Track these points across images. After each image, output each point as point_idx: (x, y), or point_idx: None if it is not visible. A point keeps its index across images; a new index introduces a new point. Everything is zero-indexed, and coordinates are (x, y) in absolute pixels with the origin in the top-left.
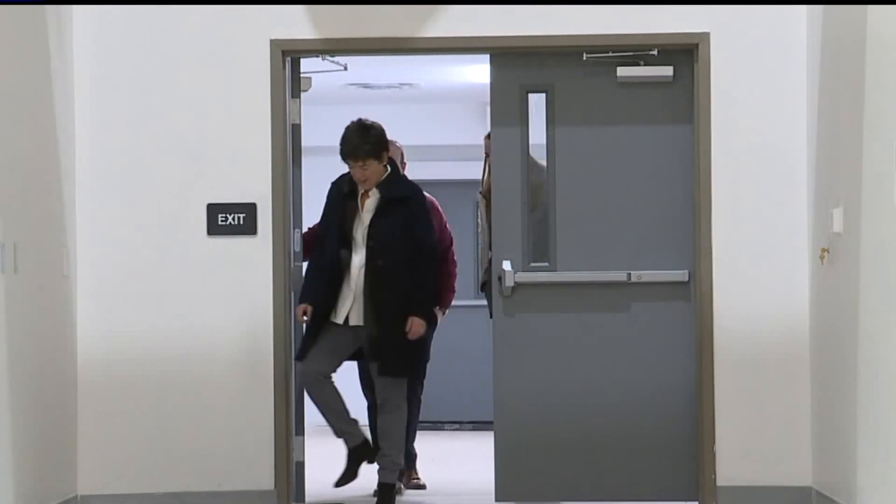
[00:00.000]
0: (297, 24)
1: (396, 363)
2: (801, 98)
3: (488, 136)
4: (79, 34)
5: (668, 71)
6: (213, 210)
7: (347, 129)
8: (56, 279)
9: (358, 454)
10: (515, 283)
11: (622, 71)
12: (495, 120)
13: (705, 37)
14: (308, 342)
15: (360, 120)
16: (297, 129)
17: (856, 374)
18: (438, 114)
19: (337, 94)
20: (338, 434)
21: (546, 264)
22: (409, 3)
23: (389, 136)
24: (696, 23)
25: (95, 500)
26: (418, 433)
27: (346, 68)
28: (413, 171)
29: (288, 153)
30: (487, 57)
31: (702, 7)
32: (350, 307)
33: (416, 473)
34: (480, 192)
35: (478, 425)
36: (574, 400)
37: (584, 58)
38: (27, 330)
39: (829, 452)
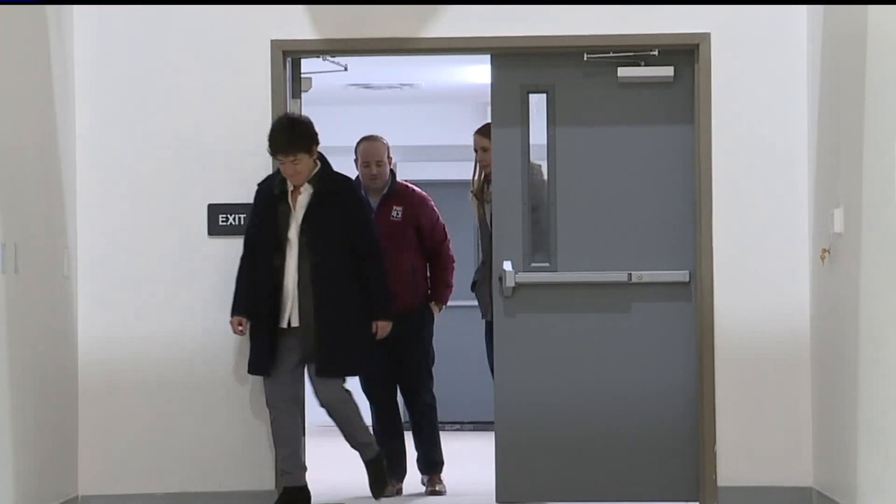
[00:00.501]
0: (298, 24)
1: (335, 364)
2: (802, 98)
3: (478, 132)
4: (79, 35)
5: (668, 71)
6: (214, 210)
7: (276, 124)
8: (57, 280)
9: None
10: (516, 283)
11: (623, 71)
12: (496, 120)
13: (706, 37)
14: (257, 355)
15: (287, 114)
16: None
17: (856, 374)
18: (439, 114)
19: (337, 95)
20: (281, 471)
21: (547, 265)
22: (410, 2)
23: (389, 137)
24: (696, 23)
25: (96, 500)
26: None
27: (346, 69)
28: (413, 172)
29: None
30: (488, 57)
31: (702, 7)
32: (290, 309)
33: (440, 480)
34: (472, 192)
35: (478, 425)
36: (575, 400)
37: (585, 58)
38: (28, 330)
39: (830, 453)
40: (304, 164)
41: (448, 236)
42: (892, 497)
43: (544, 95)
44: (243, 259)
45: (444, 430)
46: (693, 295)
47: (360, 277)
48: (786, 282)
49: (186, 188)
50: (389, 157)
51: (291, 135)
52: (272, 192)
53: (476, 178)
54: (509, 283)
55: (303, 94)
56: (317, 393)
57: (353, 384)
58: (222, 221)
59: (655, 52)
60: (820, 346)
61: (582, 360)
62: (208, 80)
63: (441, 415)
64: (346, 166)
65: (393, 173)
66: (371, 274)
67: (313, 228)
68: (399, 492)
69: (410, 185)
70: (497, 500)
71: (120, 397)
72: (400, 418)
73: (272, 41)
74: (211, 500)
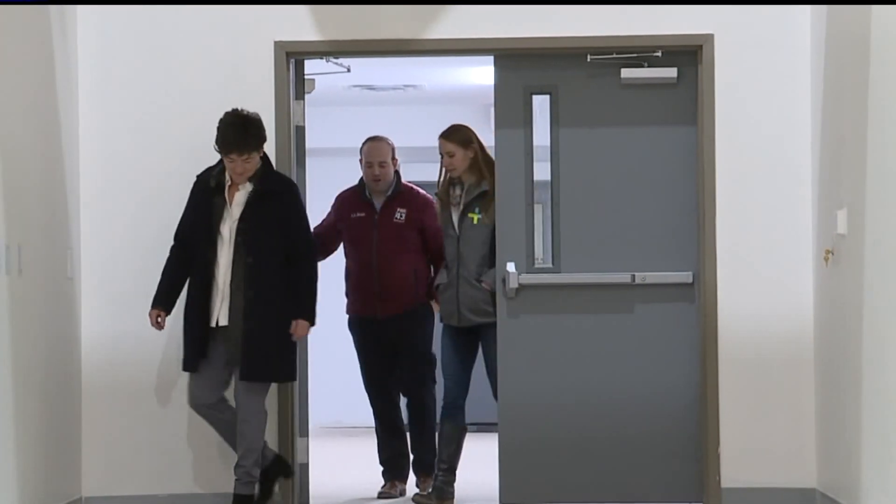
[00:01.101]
0: (301, 25)
1: (262, 369)
2: (806, 99)
3: (443, 137)
4: (83, 36)
5: (672, 72)
6: None
7: (227, 122)
8: (60, 281)
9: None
10: (520, 284)
11: (626, 72)
12: (499, 121)
13: (709, 38)
14: (189, 351)
15: (237, 111)
16: (300, 130)
17: (860, 375)
18: (442, 115)
19: (341, 96)
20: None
21: (550, 266)
22: (414, 3)
23: (392, 138)
24: (699, 24)
25: (99, 501)
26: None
27: (349, 70)
28: (416, 173)
29: (292, 155)
30: (491, 58)
31: (706, 9)
32: (220, 307)
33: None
34: (436, 194)
35: (482, 427)
36: (578, 401)
37: (588, 59)
38: (31, 332)
39: (834, 454)
40: (253, 163)
41: None
42: (895, 498)
43: (548, 96)
44: (172, 251)
45: None
46: (696, 296)
47: (290, 279)
48: (789, 283)
49: (188, 191)
50: (394, 159)
51: (245, 133)
52: (207, 185)
53: (441, 179)
54: (512, 284)
55: (306, 96)
56: (236, 396)
57: (352, 386)
58: None
59: (659, 53)
60: (823, 347)
61: (585, 362)
62: (212, 82)
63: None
64: (349, 167)
65: (398, 175)
66: (301, 275)
67: (250, 227)
68: (402, 493)
69: (415, 187)
70: (501, 502)
71: (123, 398)
72: (401, 419)
73: (275, 42)
74: (215, 502)
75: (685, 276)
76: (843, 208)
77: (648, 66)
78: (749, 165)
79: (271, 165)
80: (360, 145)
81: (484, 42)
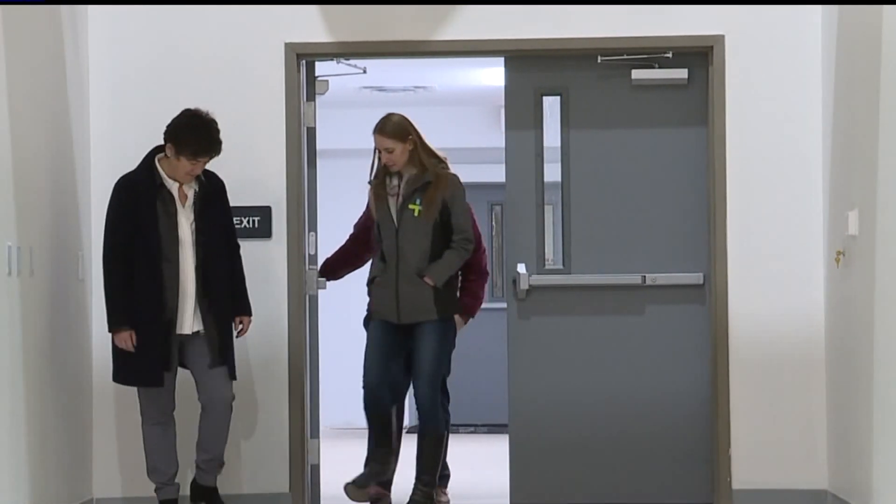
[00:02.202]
0: (312, 27)
1: (233, 365)
2: (816, 100)
3: (380, 133)
4: (94, 38)
5: (682, 73)
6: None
7: (197, 125)
8: (71, 282)
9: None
10: (530, 286)
11: (637, 73)
12: (510, 123)
13: (720, 39)
14: (153, 364)
15: (198, 113)
16: (311, 132)
17: (871, 376)
18: (453, 117)
19: (352, 98)
20: (158, 488)
21: (560, 267)
22: (424, 3)
23: None
24: (710, 25)
25: (110, 502)
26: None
27: (364, 71)
28: None
29: (303, 156)
30: (502, 60)
31: (716, 10)
32: (193, 313)
33: (445, 492)
34: (370, 183)
35: (493, 428)
36: (589, 403)
37: (599, 60)
38: (42, 333)
39: (845, 455)
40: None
41: (484, 247)
42: None
43: (558, 98)
44: (115, 264)
45: (459, 432)
46: (707, 297)
47: (231, 276)
48: (800, 284)
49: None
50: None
51: (216, 137)
52: (145, 192)
53: (374, 169)
54: (523, 285)
55: (319, 97)
56: (216, 392)
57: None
58: (236, 224)
59: (669, 55)
60: (835, 348)
61: (596, 363)
62: (222, 83)
63: (455, 417)
64: (360, 168)
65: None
66: (240, 270)
67: (206, 227)
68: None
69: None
70: (511, 502)
71: (134, 399)
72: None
73: (286, 44)
74: (226, 503)
75: (696, 278)
76: (855, 209)
77: (659, 68)
78: (760, 167)
79: None
80: (370, 146)
81: (494, 43)
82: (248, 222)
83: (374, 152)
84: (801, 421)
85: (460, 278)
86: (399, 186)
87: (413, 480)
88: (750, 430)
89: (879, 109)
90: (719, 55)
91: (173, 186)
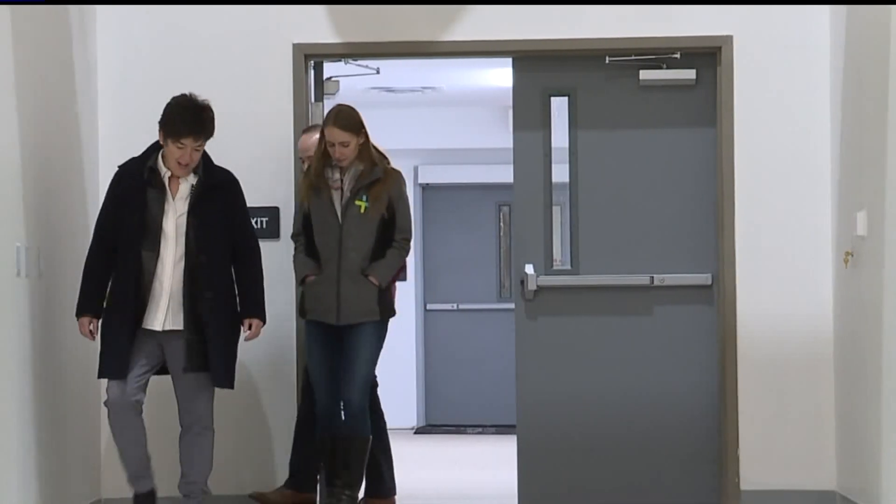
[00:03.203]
0: (320, 28)
1: (225, 373)
2: (825, 100)
3: (337, 126)
4: (102, 39)
5: (690, 74)
6: None
7: (183, 104)
8: (78, 283)
9: (147, 502)
10: (538, 286)
11: (644, 74)
12: (518, 123)
13: (728, 40)
14: (117, 356)
15: (188, 95)
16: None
17: (880, 377)
18: (461, 117)
19: (360, 98)
20: (130, 479)
21: (569, 268)
22: (433, 3)
23: (411, 140)
24: (718, 26)
25: (119, 503)
26: (441, 437)
27: (378, 72)
28: (435, 175)
29: None
30: (510, 60)
31: (724, 10)
32: (168, 309)
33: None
34: (305, 175)
35: (500, 429)
36: (597, 403)
37: (607, 61)
38: (50, 334)
39: (854, 456)
40: (200, 153)
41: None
42: None
43: (566, 98)
44: (94, 253)
45: (467, 433)
46: (715, 298)
47: (239, 277)
48: (809, 285)
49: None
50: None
51: (202, 117)
52: (139, 177)
53: (313, 162)
54: (531, 286)
55: (331, 97)
56: (191, 405)
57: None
58: None
59: (677, 55)
60: (843, 348)
61: (604, 364)
62: (230, 83)
63: (463, 418)
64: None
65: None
66: (253, 272)
67: (199, 222)
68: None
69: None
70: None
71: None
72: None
73: (294, 45)
74: (232, 503)
75: (704, 278)
76: (863, 210)
77: (667, 68)
78: (768, 167)
79: (210, 159)
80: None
81: (502, 44)
82: (257, 223)
83: (320, 145)
84: (809, 421)
85: None
86: (342, 181)
87: (335, 487)
88: (758, 431)
89: (888, 110)
90: (727, 56)
91: (166, 176)
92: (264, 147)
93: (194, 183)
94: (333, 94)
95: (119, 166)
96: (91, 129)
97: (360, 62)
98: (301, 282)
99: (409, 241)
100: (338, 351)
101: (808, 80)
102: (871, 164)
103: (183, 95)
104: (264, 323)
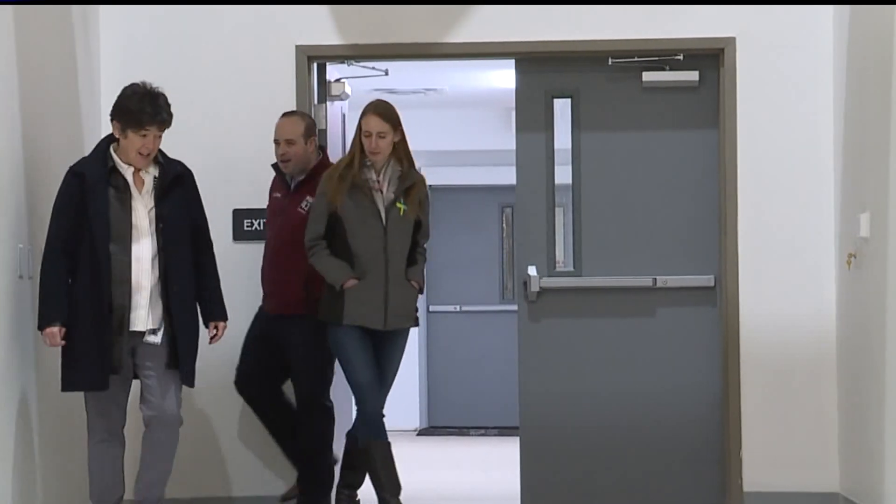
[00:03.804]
0: (323, 29)
1: (192, 371)
2: (828, 102)
3: (376, 113)
4: (105, 40)
5: (693, 76)
6: (239, 216)
7: (142, 93)
8: None
9: None
10: (541, 288)
11: (647, 76)
12: (521, 125)
13: (731, 41)
14: (106, 365)
15: (141, 83)
16: (322, 134)
17: (883, 378)
18: (464, 119)
19: (363, 100)
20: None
21: (571, 269)
22: (436, 2)
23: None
24: (721, 27)
25: None
26: (443, 438)
27: (386, 73)
28: (438, 176)
29: (328, 157)
30: (513, 62)
31: (727, 12)
32: (147, 309)
33: None
34: (340, 176)
35: (503, 430)
36: (600, 405)
37: (610, 63)
38: None
39: (857, 458)
40: (159, 143)
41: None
42: None
43: (569, 100)
44: (52, 260)
45: (469, 435)
46: (718, 300)
47: (201, 273)
48: (811, 286)
49: (211, 193)
50: (312, 136)
51: (162, 104)
52: (95, 175)
53: (353, 160)
54: (534, 287)
55: (337, 99)
56: (163, 406)
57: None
58: (247, 227)
59: (680, 57)
60: (846, 350)
61: (606, 365)
62: (233, 85)
63: (466, 420)
64: None
65: (324, 154)
66: (213, 268)
67: (167, 214)
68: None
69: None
70: None
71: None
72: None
73: (297, 46)
74: None
75: (707, 280)
76: (866, 211)
77: (670, 70)
78: (771, 169)
79: (162, 150)
80: None
81: (505, 46)
82: (260, 225)
83: (357, 136)
84: (812, 423)
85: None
86: (380, 182)
87: (381, 495)
88: (761, 433)
89: (891, 111)
90: (730, 57)
91: (128, 172)
92: (267, 149)
93: (157, 175)
94: (341, 96)
95: (72, 169)
96: (93, 131)
97: (366, 64)
98: (339, 287)
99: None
100: (371, 352)
101: (810, 81)
102: (874, 166)
103: (136, 84)
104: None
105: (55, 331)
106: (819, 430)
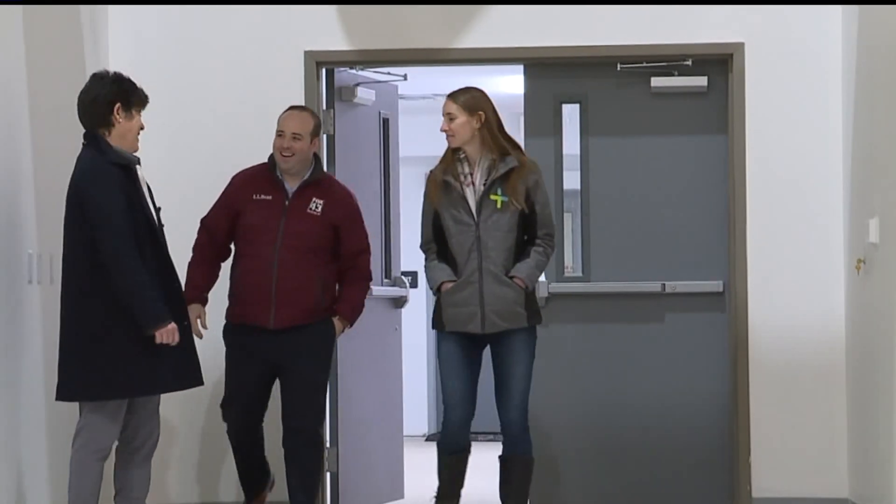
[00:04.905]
0: (331, 35)
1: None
2: (837, 107)
3: (448, 95)
4: (113, 43)
5: (702, 81)
6: None
7: (115, 75)
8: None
9: None
10: (549, 293)
11: (656, 81)
12: (529, 130)
13: (739, 47)
14: (194, 357)
15: (106, 70)
16: (331, 139)
17: (892, 384)
18: None
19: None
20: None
21: (580, 275)
22: (444, 2)
23: (421, 147)
24: (730, 33)
25: None
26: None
27: (405, 77)
28: None
29: (323, 163)
30: (521, 67)
31: (736, 17)
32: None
33: None
34: (432, 171)
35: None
36: (608, 411)
37: (618, 68)
38: None
39: (866, 463)
40: None
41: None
42: None
43: (577, 105)
44: (132, 252)
45: (478, 440)
46: (727, 305)
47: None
48: (821, 292)
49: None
50: (315, 137)
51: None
52: (120, 169)
53: (447, 155)
54: (542, 293)
55: (346, 104)
56: (153, 419)
57: None
58: None
59: (689, 62)
60: (855, 356)
61: (615, 371)
62: (242, 90)
63: (474, 425)
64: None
65: (318, 160)
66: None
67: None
68: None
69: (336, 178)
70: None
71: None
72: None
73: (305, 52)
74: None
75: (716, 286)
76: (875, 217)
77: (679, 75)
78: (780, 174)
79: None
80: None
81: (514, 51)
82: None
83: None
84: (821, 429)
85: (338, 285)
86: (472, 175)
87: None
88: (770, 438)
89: None
90: (739, 62)
91: (135, 164)
92: None
93: (139, 164)
94: (349, 100)
95: (92, 166)
96: None
97: (380, 69)
98: (436, 290)
99: (552, 236)
100: (477, 362)
101: (819, 86)
102: (884, 171)
103: (99, 72)
104: None
105: (174, 328)
106: (828, 436)
